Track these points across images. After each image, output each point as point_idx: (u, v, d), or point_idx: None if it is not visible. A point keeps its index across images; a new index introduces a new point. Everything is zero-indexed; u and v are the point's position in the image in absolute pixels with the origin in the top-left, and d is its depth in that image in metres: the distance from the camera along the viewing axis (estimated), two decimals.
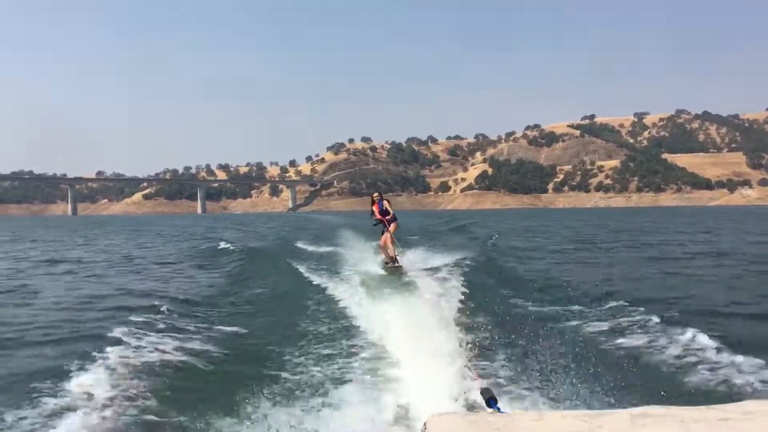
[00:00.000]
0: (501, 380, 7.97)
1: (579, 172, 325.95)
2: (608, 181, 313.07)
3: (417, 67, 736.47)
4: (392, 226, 19.64)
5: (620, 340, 10.12)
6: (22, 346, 10.45)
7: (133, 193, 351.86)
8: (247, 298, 15.54)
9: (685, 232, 46.37)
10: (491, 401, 4.13)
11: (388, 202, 20.39)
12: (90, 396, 7.26)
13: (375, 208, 20.21)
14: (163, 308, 13.04)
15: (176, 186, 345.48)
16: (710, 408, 3.25)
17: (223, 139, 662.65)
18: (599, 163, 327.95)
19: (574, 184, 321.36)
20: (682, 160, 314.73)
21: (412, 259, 21.25)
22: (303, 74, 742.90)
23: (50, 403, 7.01)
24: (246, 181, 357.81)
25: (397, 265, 18.91)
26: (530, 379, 7.93)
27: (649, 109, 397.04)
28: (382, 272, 18.50)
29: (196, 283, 19.02)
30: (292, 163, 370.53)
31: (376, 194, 20.77)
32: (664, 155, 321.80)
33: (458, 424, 3.35)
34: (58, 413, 6.75)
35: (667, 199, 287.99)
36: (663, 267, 21.74)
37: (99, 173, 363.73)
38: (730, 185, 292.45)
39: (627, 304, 12.83)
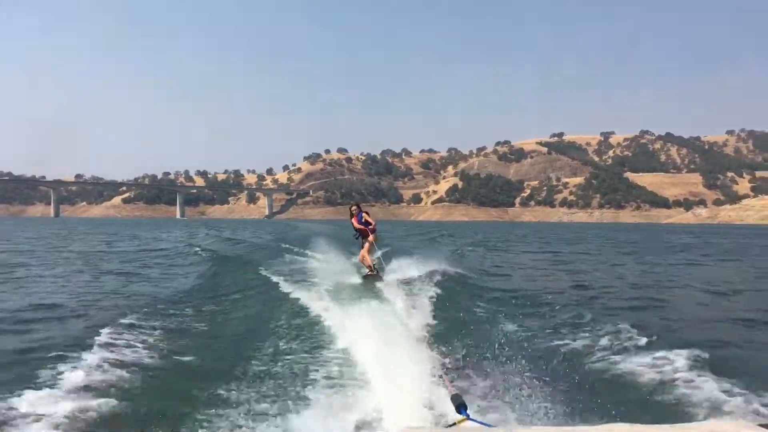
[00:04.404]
0: (471, 394, 7.82)
1: (545, 188, 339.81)
2: (572, 197, 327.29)
3: (394, 81, 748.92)
4: (372, 237, 19.42)
5: (588, 358, 10.09)
6: None
7: (112, 196, 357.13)
8: (218, 306, 15.39)
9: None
10: (461, 408, 4.11)
11: (367, 213, 20.05)
12: (65, 397, 7.28)
13: (354, 220, 19.91)
14: (138, 312, 13.05)
15: (155, 191, 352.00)
16: (674, 427, 3.26)
17: (202, 145, 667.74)
18: (564, 179, 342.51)
19: (540, 199, 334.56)
20: (643, 179, 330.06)
21: (386, 269, 20.90)
22: (284, 84, 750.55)
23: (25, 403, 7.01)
24: (224, 188, 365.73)
25: (375, 274, 18.72)
26: (500, 395, 7.82)
27: (615, 129, 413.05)
28: (358, 282, 18.30)
29: (171, 287, 18.83)
30: (269, 172, 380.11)
31: (354, 207, 20.41)
32: (627, 174, 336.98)
33: None
34: (33, 413, 6.75)
35: (627, 216, 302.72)
36: (631, 284, 21.66)
37: (78, 176, 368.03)
38: (687, 204, 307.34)
39: (596, 321, 12.88)
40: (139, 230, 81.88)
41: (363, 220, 19.75)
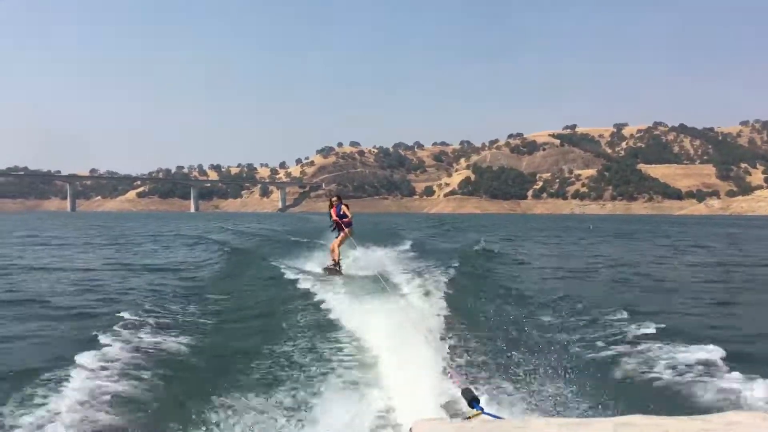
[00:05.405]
0: (485, 386, 7.83)
1: (557, 180, 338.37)
2: (584, 189, 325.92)
3: (406, 74, 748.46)
4: (347, 230, 19.57)
5: (605, 349, 9.99)
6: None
7: (126, 191, 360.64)
8: (227, 296, 15.71)
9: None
10: (473, 402, 4.10)
11: (347, 206, 20.14)
12: (72, 395, 7.18)
13: (333, 212, 19.92)
14: (145, 306, 13.05)
15: (169, 185, 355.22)
16: (693, 418, 3.26)
17: (215, 139, 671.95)
18: (577, 171, 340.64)
19: (552, 191, 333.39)
20: (656, 170, 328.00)
21: (385, 261, 21.14)
22: (294, 78, 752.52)
23: (31, 404, 6.91)
24: (237, 182, 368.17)
25: (337, 268, 18.85)
26: (515, 386, 7.82)
27: (628, 121, 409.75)
28: (318, 272, 18.82)
29: (179, 280, 19.46)
30: (282, 165, 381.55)
31: (335, 198, 20.47)
32: (639, 165, 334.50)
33: (444, 430, 3.34)
34: (38, 412, 6.68)
35: (639, 207, 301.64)
36: (646, 278, 21.63)
37: (92, 171, 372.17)
38: (700, 196, 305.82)
39: (612, 313, 12.75)
40: (165, 223, 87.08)
41: (341, 212, 19.94)
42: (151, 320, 11.72)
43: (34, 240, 44.24)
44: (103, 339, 9.93)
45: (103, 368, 8.37)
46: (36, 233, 54.85)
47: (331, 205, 20.24)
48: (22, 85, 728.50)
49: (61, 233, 55.32)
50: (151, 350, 9.52)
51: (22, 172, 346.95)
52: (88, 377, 7.95)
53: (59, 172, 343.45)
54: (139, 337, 10.26)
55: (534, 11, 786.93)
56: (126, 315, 11.96)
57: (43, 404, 7.03)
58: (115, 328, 10.83)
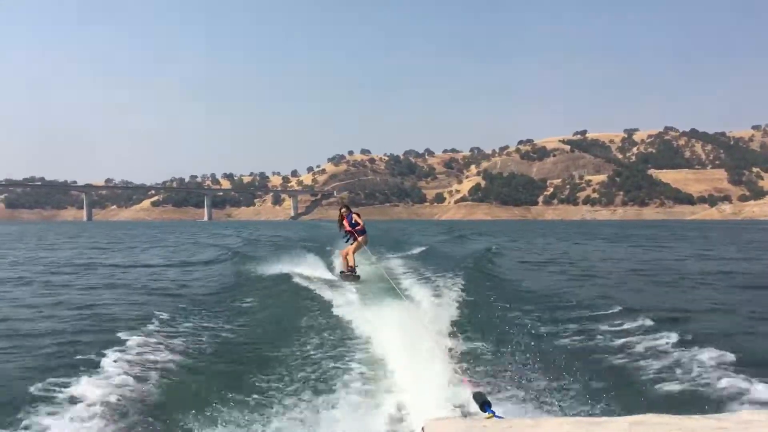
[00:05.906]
0: (498, 387, 7.93)
1: (568, 186, 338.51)
2: (595, 195, 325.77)
3: (416, 81, 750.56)
4: (361, 239, 19.51)
5: (619, 349, 10.05)
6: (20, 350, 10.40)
7: (141, 200, 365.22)
8: (240, 302, 15.87)
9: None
10: (485, 405, 4.11)
11: (358, 215, 20.02)
12: (85, 399, 7.24)
13: (345, 222, 19.87)
14: (157, 311, 13.20)
15: (183, 194, 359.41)
16: (708, 417, 3.26)
17: (228, 148, 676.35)
18: (587, 177, 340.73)
19: (563, 197, 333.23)
20: (667, 176, 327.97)
21: (397, 265, 21.38)
22: (304, 86, 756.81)
23: (45, 408, 7.00)
24: (250, 190, 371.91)
25: (355, 274, 18.91)
26: (527, 386, 7.86)
27: (639, 126, 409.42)
28: (334, 278, 19.12)
29: (188, 286, 19.86)
30: (294, 173, 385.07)
31: (344, 208, 20.27)
32: (650, 171, 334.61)
33: (456, 429, 3.33)
34: (52, 415, 6.80)
35: (651, 213, 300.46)
36: (657, 278, 21.64)
37: (108, 180, 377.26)
38: (711, 200, 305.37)
39: (625, 314, 12.78)
40: (184, 230, 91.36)
41: (353, 221, 19.79)
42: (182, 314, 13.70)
43: (85, 244, 50.35)
44: (162, 312, 13.30)
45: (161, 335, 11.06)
46: (75, 240, 60.63)
47: (341, 216, 20.04)
48: (35, 91, 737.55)
49: (99, 240, 60.32)
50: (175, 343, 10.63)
51: (39, 183, 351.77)
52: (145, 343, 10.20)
53: (75, 182, 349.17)
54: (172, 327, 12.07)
55: (541, 14, 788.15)
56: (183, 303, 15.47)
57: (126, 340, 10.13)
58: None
